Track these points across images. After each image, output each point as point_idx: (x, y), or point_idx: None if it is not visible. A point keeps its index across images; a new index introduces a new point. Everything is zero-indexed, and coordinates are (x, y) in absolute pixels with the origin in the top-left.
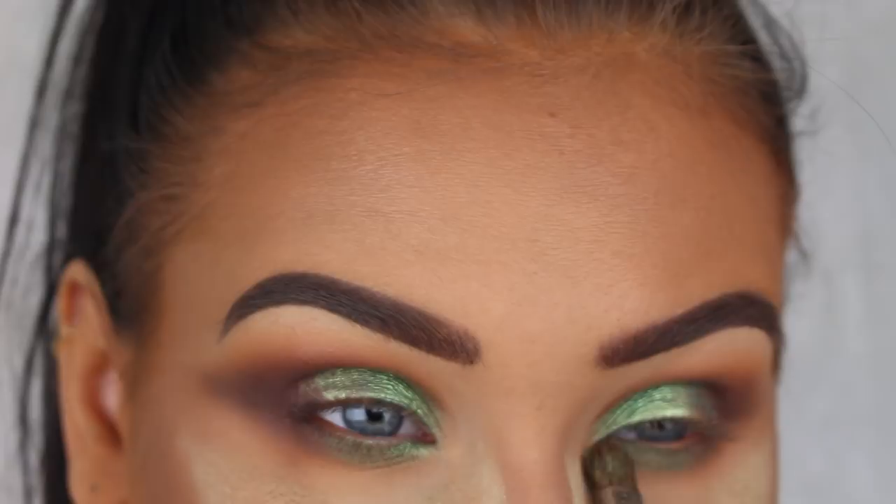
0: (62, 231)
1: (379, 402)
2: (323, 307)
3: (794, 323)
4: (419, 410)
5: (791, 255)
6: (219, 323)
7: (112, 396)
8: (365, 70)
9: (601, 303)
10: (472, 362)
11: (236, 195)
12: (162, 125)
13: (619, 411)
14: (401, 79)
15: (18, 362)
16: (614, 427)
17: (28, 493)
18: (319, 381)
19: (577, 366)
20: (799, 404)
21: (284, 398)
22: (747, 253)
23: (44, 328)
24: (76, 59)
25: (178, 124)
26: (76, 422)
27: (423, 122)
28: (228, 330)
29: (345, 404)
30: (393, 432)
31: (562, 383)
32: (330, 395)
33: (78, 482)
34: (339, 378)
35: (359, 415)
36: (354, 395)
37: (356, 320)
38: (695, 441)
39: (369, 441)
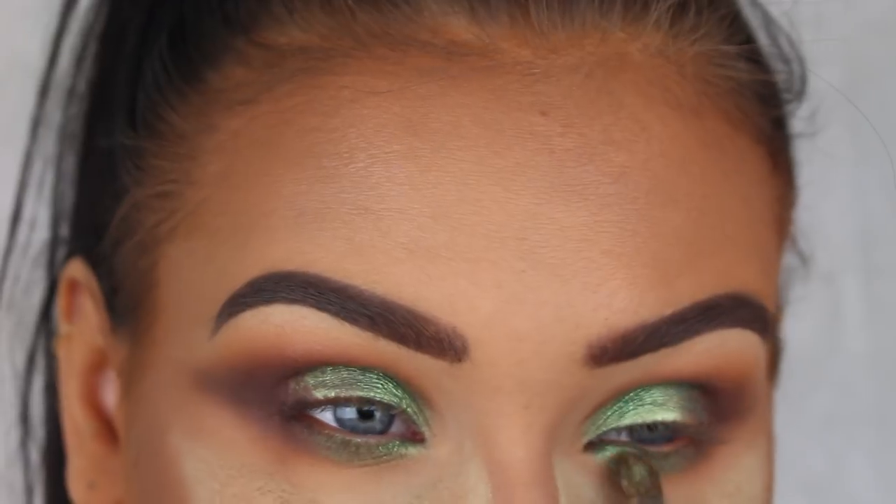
0: (65, 229)
1: (369, 400)
2: (312, 306)
3: (795, 324)
4: (409, 409)
5: (792, 260)
6: (210, 320)
7: (111, 394)
8: (358, 68)
9: (589, 301)
10: (460, 360)
11: (230, 193)
12: (158, 123)
13: (609, 413)
14: (393, 77)
15: (20, 360)
16: (604, 428)
17: (29, 491)
18: (309, 380)
19: (566, 364)
20: (799, 404)
21: (274, 396)
22: (740, 254)
23: (45, 326)
24: (79, 59)
25: (173, 122)
26: (75, 419)
27: (415, 119)
28: (220, 328)
29: (334, 403)
30: (384, 431)
31: (550, 382)
32: (319, 394)
33: (76, 479)
34: (328, 377)
35: (350, 413)
36: (344, 393)
37: (345, 319)
38: (686, 443)
39: (358, 439)
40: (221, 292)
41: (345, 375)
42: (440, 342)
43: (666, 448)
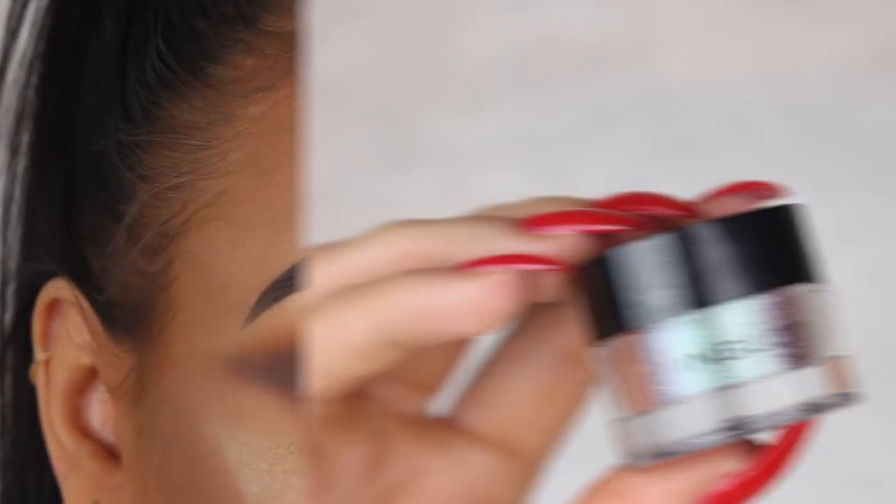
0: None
1: None
2: None
3: None
4: None
5: None
6: (244, 307)
7: (96, 415)
8: None
9: None
10: None
11: (258, 178)
12: (164, 115)
13: None
14: None
15: None
16: None
17: None
18: None
19: None
20: None
21: None
22: None
23: None
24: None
25: (183, 113)
26: (62, 443)
27: None
28: (259, 313)
29: None
30: None
31: None
32: None
33: (75, 501)
34: None
35: None
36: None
37: None
38: None
39: None
40: (258, 279)
41: None
42: None
43: None
